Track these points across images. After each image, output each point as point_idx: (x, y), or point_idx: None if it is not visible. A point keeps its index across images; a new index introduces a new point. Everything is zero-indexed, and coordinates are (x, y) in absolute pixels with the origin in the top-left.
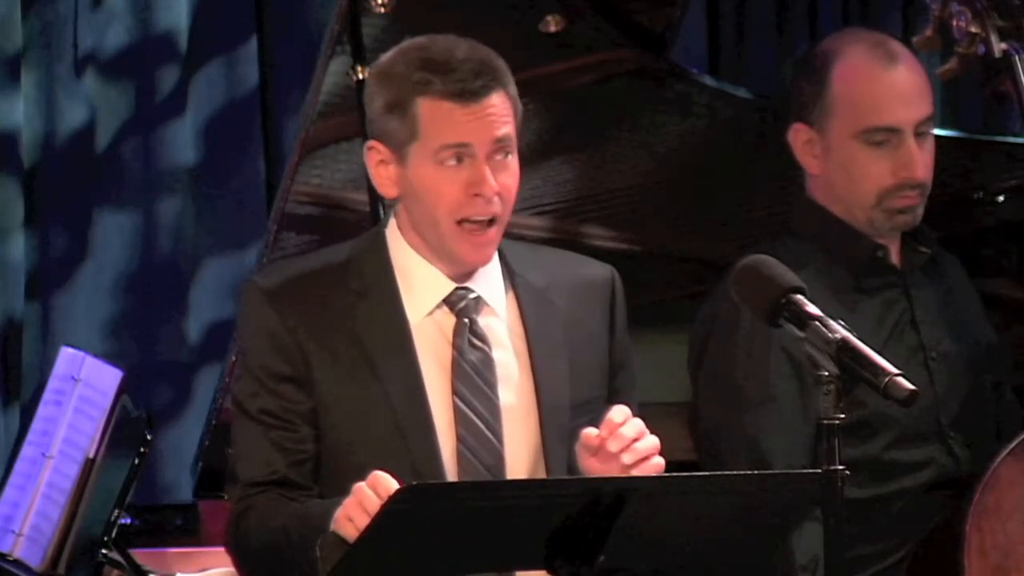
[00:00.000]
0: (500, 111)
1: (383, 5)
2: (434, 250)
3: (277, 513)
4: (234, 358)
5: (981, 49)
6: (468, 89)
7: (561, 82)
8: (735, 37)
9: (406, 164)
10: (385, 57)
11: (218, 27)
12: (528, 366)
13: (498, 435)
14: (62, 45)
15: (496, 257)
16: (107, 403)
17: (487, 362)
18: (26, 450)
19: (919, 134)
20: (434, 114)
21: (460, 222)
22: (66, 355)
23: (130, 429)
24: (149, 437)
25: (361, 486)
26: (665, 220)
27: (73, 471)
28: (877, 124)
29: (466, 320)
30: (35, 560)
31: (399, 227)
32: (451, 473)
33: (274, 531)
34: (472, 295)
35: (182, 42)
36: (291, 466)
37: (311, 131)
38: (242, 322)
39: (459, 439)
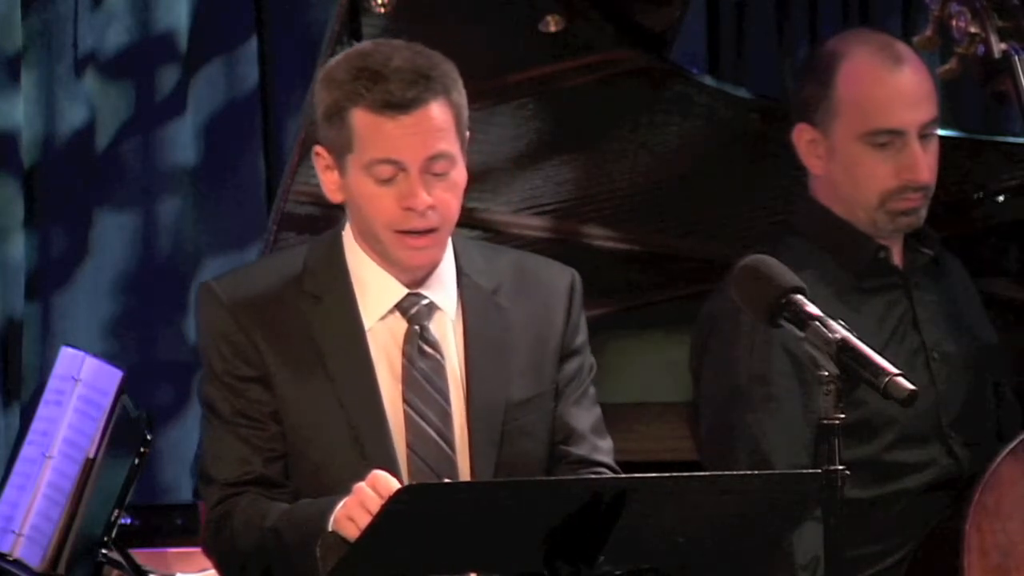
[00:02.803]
0: (436, 124)
1: (383, 5)
2: (381, 256)
3: (263, 514)
4: None
5: (981, 49)
6: (398, 101)
7: (561, 82)
8: (735, 37)
9: (345, 174)
10: (331, 61)
11: (218, 27)
12: (464, 368)
13: (449, 441)
14: (62, 45)
15: (452, 260)
16: (107, 403)
17: (438, 369)
18: (26, 450)
19: (923, 136)
20: (366, 126)
21: (398, 232)
22: (66, 355)
23: (130, 429)
24: (149, 437)
25: (362, 486)
26: (665, 220)
27: (73, 471)
28: (881, 126)
29: (417, 327)
30: (35, 560)
31: (352, 232)
32: (404, 479)
33: (264, 533)
34: (424, 301)
35: (182, 42)
36: (266, 463)
37: (311, 131)
38: (200, 326)
39: (409, 446)
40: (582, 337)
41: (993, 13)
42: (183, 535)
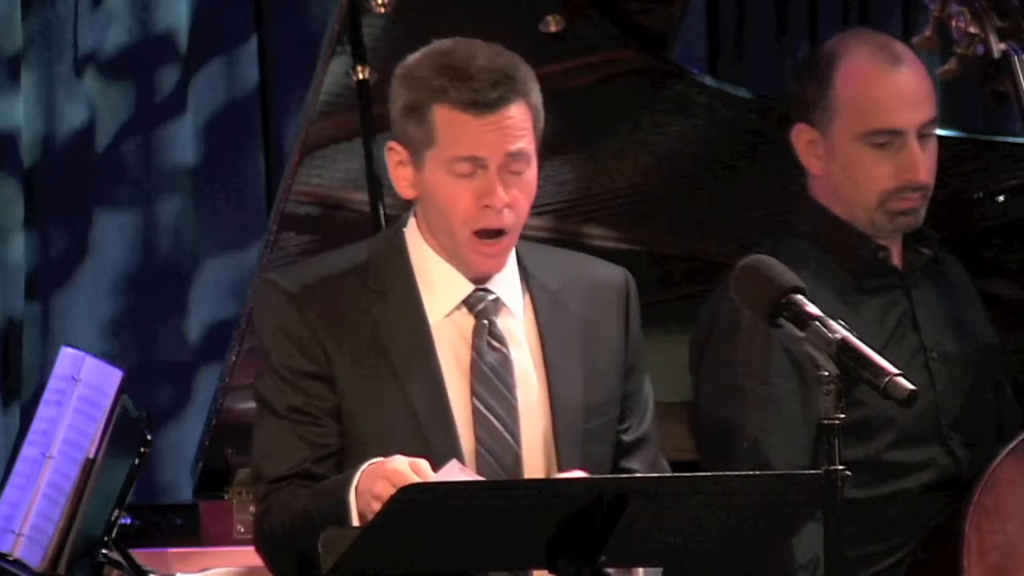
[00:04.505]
0: (517, 123)
1: (383, 5)
2: (450, 253)
3: (297, 500)
4: (234, 357)
5: (980, 49)
6: (483, 100)
7: (561, 82)
8: (735, 37)
9: (422, 169)
10: (411, 57)
11: (218, 27)
12: (543, 367)
13: (515, 436)
14: (62, 45)
15: (513, 258)
16: (107, 403)
17: (505, 363)
18: (26, 450)
19: (922, 136)
20: (449, 123)
21: (474, 232)
22: (66, 355)
23: (130, 429)
24: (149, 437)
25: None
26: (665, 220)
27: (73, 471)
28: (880, 126)
29: (485, 321)
30: (35, 560)
31: (419, 228)
32: (471, 474)
33: (295, 517)
34: (491, 296)
35: (182, 42)
36: (317, 461)
37: (311, 131)
38: (262, 321)
39: (478, 440)
40: (641, 345)
41: (992, 13)
42: (183, 535)
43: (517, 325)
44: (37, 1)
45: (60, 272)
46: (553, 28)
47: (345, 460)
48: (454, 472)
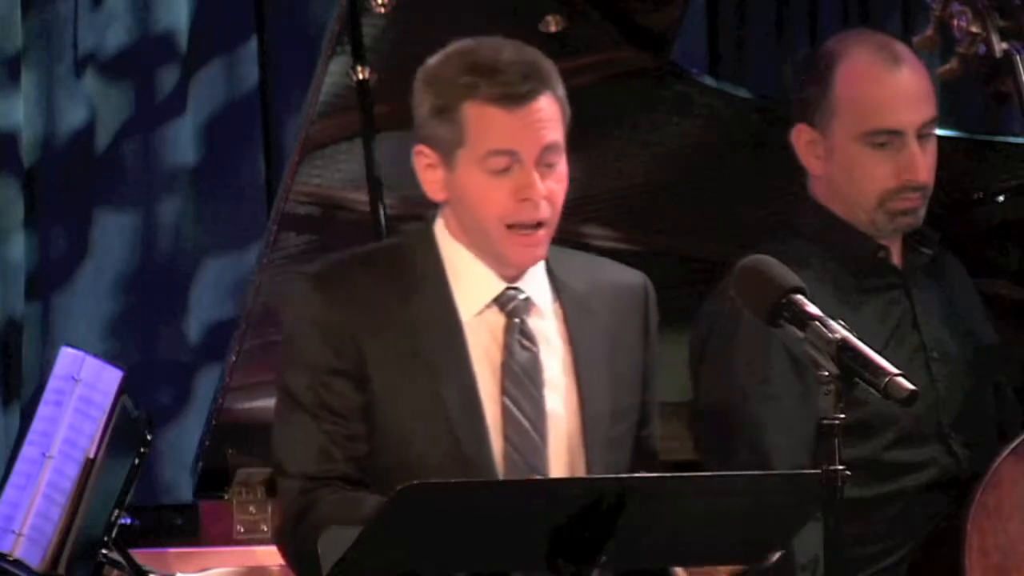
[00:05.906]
0: (547, 115)
1: (383, 5)
2: (484, 251)
3: (359, 501)
4: (234, 357)
5: (982, 49)
6: (515, 93)
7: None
8: (735, 37)
9: (454, 169)
10: (431, 60)
11: (218, 27)
12: (572, 372)
13: (543, 437)
14: (62, 45)
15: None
16: (107, 403)
17: (535, 363)
18: (26, 450)
19: (922, 136)
20: (480, 118)
21: (509, 226)
22: (66, 355)
23: (130, 429)
24: (149, 437)
25: None
26: (665, 220)
27: (73, 471)
28: (880, 126)
29: (516, 320)
30: (35, 560)
31: (447, 226)
32: (500, 473)
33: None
34: (522, 295)
35: (182, 42)
36: (348, 461)
37: (311, 131)
38: (290, 313)
39: (506, 439)
40: (658, 351)
41: (994, 13)
42: (183, 535)
43: (546, 326)
44: (37, 1)
45: (60, 272)
46: (553, 28)
47: (377, 457)
48: None
